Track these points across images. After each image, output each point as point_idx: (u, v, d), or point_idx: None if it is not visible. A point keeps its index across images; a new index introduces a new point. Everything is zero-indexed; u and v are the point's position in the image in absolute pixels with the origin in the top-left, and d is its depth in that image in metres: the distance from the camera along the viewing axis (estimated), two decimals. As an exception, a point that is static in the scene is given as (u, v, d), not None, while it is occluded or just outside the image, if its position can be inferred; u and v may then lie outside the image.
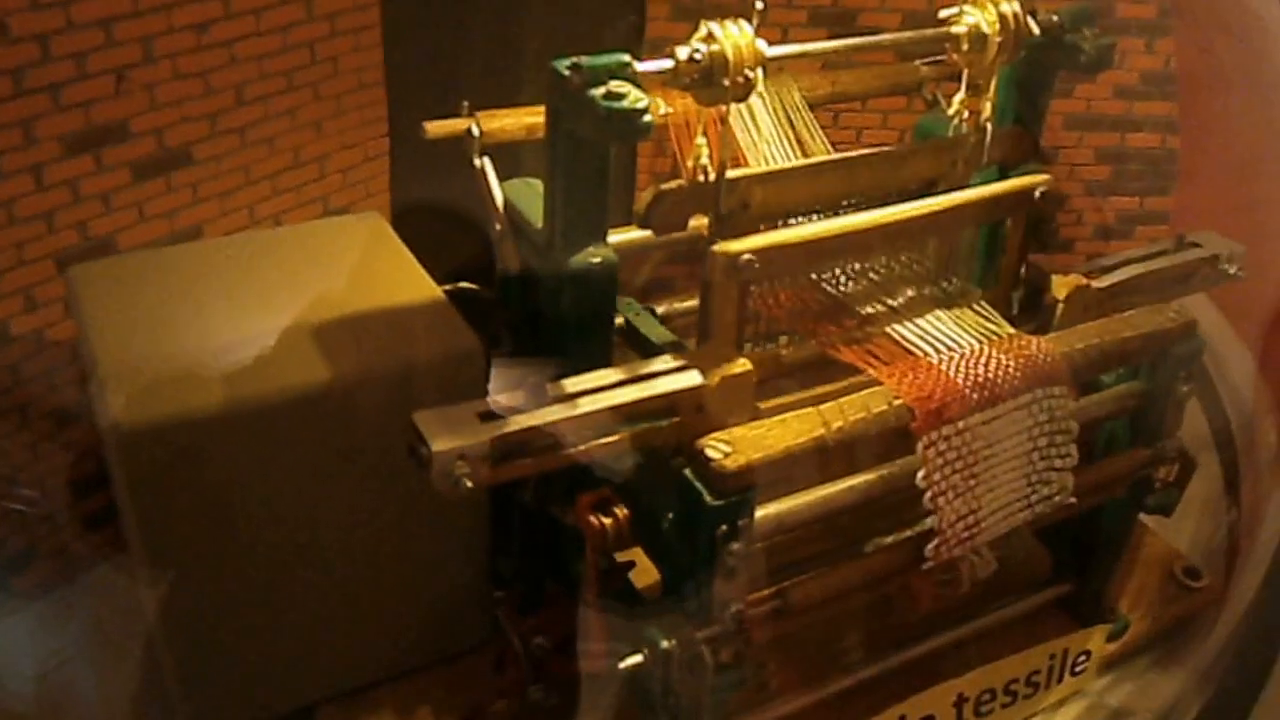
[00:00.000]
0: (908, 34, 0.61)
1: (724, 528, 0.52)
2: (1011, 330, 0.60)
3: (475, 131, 0.65)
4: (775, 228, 0.61)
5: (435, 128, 0.65)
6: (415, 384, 0.60)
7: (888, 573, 0.59)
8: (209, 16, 0.73)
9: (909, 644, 0.67)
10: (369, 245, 0.68)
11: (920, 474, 0.55)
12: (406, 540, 0.63)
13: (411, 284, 0.65)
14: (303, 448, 0.58)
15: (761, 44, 0.54)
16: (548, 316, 0.60)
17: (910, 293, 0.62)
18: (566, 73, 0.52)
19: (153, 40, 0.71)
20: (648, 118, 0.51)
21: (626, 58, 0.53)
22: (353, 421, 0.59)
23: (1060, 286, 0.64)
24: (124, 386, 0.57)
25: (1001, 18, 0.60)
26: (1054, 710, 0.69)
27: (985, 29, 0.60)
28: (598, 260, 0.58)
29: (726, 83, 0.54)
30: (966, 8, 0.61)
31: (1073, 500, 0.60)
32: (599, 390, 0.53)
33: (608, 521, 0.54)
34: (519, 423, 0.51)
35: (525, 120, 0.67)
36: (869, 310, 0.61)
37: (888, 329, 0.60)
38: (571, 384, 0.53)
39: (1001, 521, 0.58)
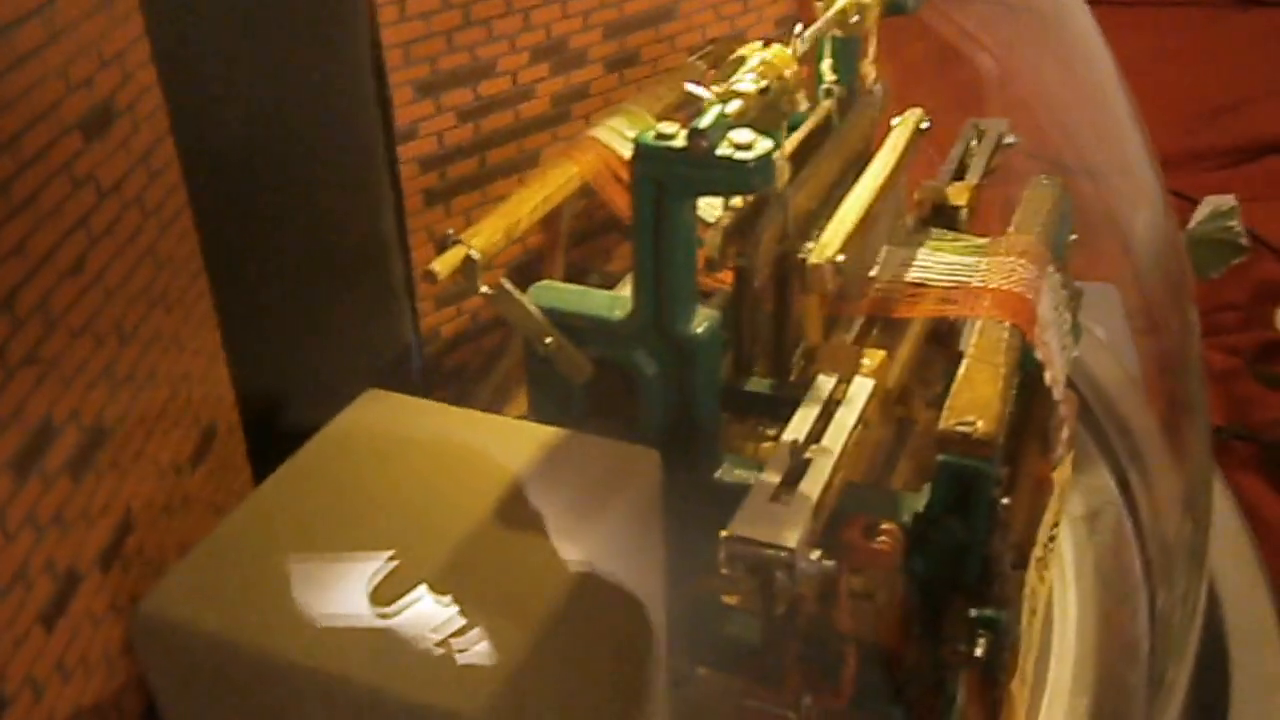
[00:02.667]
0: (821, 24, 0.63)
1: (996, 488, 0.52)
2: (982, 239, 0.66)
3: (475, 256, 0.57)
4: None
5: (440, 266, 0.56)
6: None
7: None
8: None
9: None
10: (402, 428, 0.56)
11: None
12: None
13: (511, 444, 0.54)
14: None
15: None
16: (659, 402, 0.55)
17: (888, 245, 0.66)
18: (684, 144, 0.48)
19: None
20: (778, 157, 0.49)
21: (721, 109, 0.50)
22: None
23: (956, 195, 0.71)
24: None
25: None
26: None
27: (865, -1, 0.64)
28: (705, 325, 0.54)
29: (788, 103, 0.53)
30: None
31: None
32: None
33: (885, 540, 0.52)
34: (810, 495, 0.48)
35: (502, 225, 0.60)
36: (875, 272, 0.64)
37: (910, 279, 0.63)
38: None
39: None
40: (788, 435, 0.51)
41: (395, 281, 0.72)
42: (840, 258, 0.55)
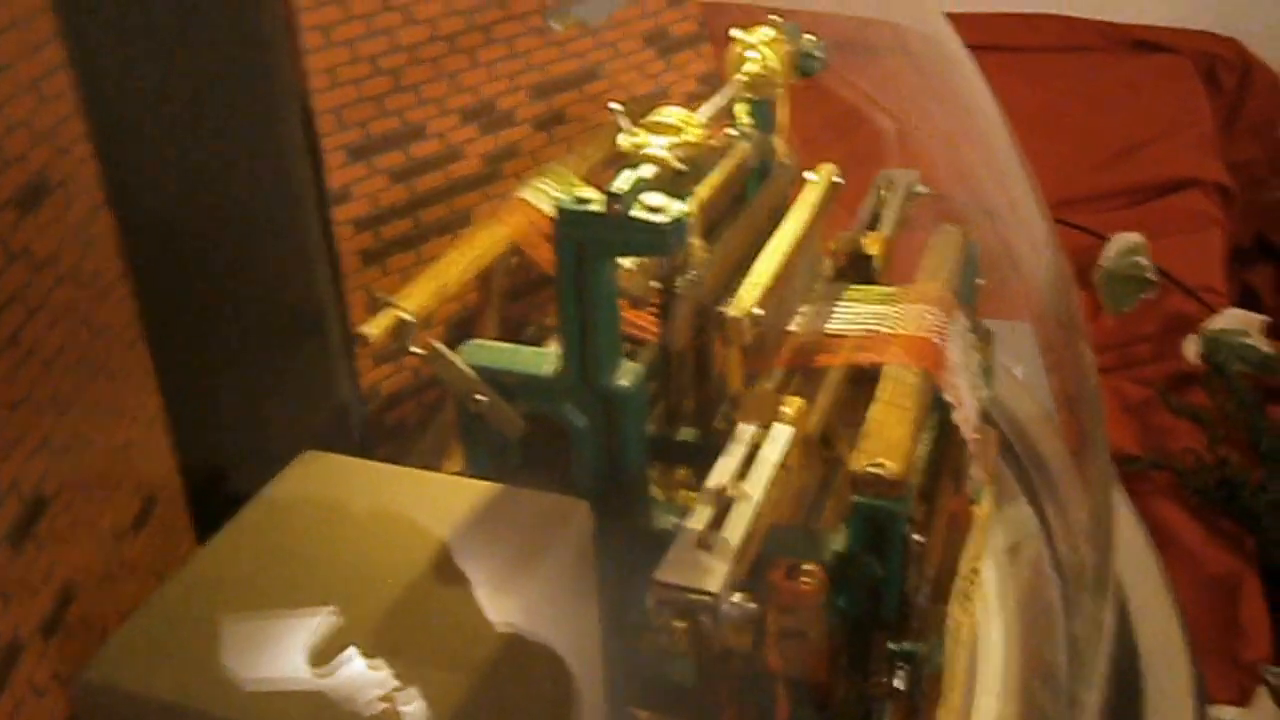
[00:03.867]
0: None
1: (908, 525, 0.54)
2: (892, 288, 0.68)
3: (406, 317, 0.58)
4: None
5: (373, 329, 0.57)
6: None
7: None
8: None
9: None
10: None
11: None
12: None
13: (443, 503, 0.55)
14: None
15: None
16: (589, 453, 0.57)
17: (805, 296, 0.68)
18: (601, 208, 0.50)
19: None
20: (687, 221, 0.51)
21: (635, 174, 0.51)
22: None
23: (870, 245, 0.73)
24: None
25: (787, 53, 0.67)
26: None
27: (774, 63, 0.67)
28: (631, 378, 0.56)
29: (699, 165, 0.55)
30: (749, 53, 0.67)
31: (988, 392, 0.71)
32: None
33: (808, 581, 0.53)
34: (732, 540, 0.49)
35: (432, 286, 0.61)
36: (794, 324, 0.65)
37: (827, 330, 0.65)
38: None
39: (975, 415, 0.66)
40: (710, 482, 0.53)
41: (333, 342, 0.73)
42: (758, 310, 0.57)
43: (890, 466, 0.54)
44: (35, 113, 0.51)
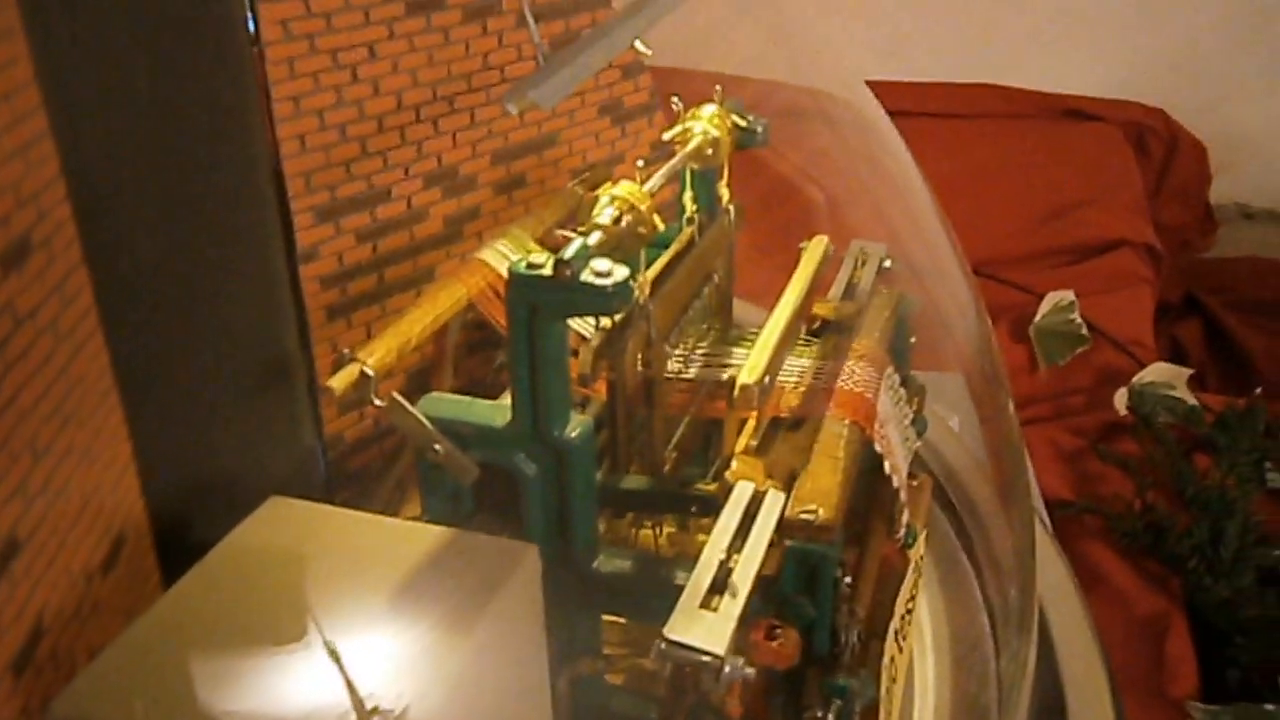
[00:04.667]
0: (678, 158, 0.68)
1: (840, 569, 0.57)
2: (828, 346, 0.71)
3: (368, 371, 0.60)
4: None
5: (337, 383, 0.59)
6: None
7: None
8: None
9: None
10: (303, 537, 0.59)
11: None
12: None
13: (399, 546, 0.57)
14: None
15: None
16: (539, 501, 0.59)
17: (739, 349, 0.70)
18: (551, 272, 0.53)
19: None
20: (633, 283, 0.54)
21: (583, 241, 0.54)
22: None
23: (844, 312, 0.76)
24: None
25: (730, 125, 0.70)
26: None
27: (715, 133, 0.70)
28: (579, 429, 0.58)
29: (643, 230, 0.58)
30: (692, 125, 0.70)
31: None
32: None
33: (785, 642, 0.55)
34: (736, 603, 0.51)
35: (394, 342, 0.63)
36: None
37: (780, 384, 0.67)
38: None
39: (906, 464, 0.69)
40: (712, 545, 0.54)
41: (299, 392, 0.75)
42: (766, 379, 0.60)
43: (821, 513, 0.56)
44: (22, 177, 0.54)
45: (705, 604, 0.51)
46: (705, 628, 0.49)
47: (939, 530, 0.89)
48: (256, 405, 0.73)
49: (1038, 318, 1.46)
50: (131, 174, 0.63)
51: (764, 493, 0.58)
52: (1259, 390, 1.32)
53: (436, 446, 0.58)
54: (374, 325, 0.81)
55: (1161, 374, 1.37)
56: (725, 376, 0.62)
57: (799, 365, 0.68)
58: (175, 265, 0.66)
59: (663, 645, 0.49)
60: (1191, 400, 1.34)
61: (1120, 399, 1.34)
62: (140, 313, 0.65)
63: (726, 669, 0.48)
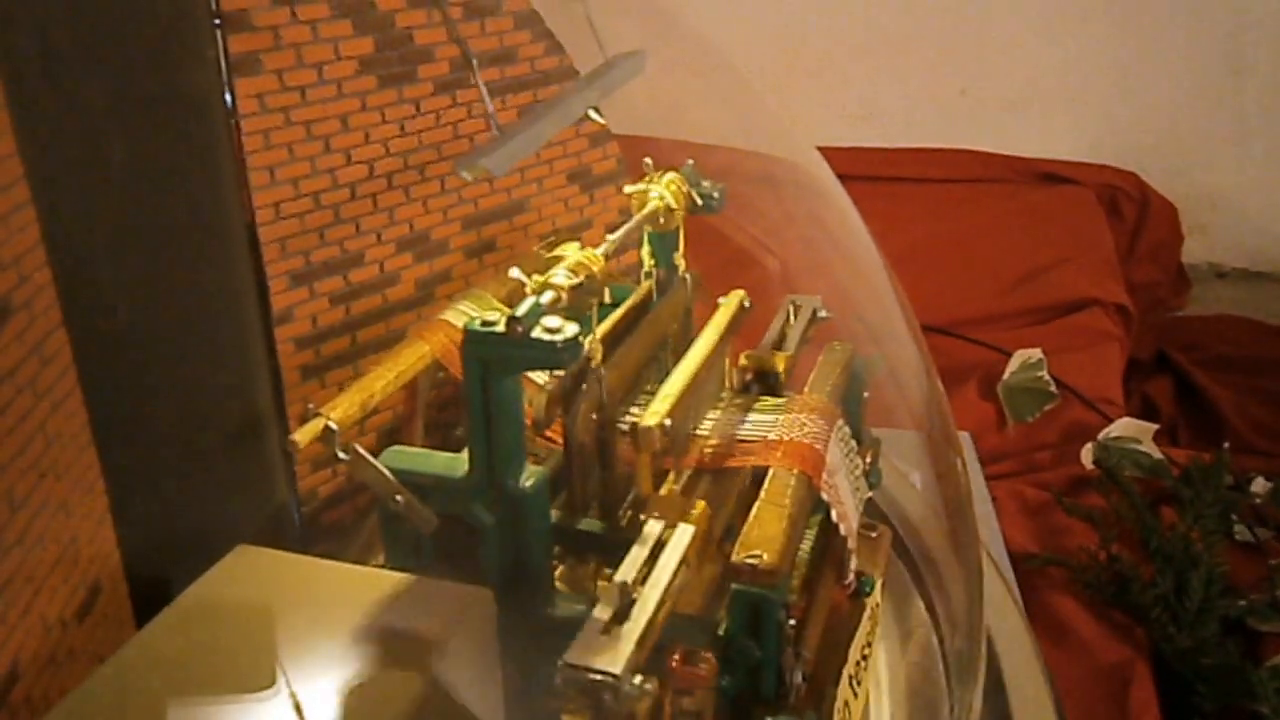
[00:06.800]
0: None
1: (783, 611, 0.59)
2: (781, 399, 0.74)
3: (333, 426, 0.63)
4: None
5: (301, 436, 0.62)
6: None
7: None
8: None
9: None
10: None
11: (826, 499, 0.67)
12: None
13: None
14: None
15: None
16: (496, 548, 0.61)
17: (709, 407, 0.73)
18: (504, 329, 0.56)
19: None
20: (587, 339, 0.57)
21: (535, 299, 0.58)
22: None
23: (776, 362, 0.79)
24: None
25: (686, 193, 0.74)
26: None
27: (671, 201, 0.74)
28: (534, 480, 0.61)
29: (593, 297, 0.61)
30: (651, 188, 0.74)
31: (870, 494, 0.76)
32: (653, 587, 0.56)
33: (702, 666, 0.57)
34: (635, 628, 0.53)
35: (358, 399, 0.66)
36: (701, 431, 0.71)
37: (725, 436, 0.70)
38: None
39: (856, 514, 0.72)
40: (619, 576, 0.57)
41: (273, 448, 0.78)
42: (667, 421, 0.63)
43: (766, 558, 0.59)
44: (4, 244, 0.57)
45: (606, 630, 0.53)
46: (602, 649, 0.51)
47: (899, 580, 0.91)
48: (231, 461, 0.76)
49: (1006, 375, 1.50)
50: (110, 240, 0.66)
51: (673, 529, 0.60)
52: (1226, 445, 1.35)
53: (398, 497, 0.61)
54: (347, 385, 0.84)
55: (1128, 429, 1.40)
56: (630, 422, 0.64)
57: (729, 418, 0.71)
58: (152, 326, 0.69)
59: (563, 669, 0.51)
60: (1157, 454, 1.37)
61: (1087, 454, 1.37)
62: (118, 371, 0.68)
63: (624, 687, 0.50)
